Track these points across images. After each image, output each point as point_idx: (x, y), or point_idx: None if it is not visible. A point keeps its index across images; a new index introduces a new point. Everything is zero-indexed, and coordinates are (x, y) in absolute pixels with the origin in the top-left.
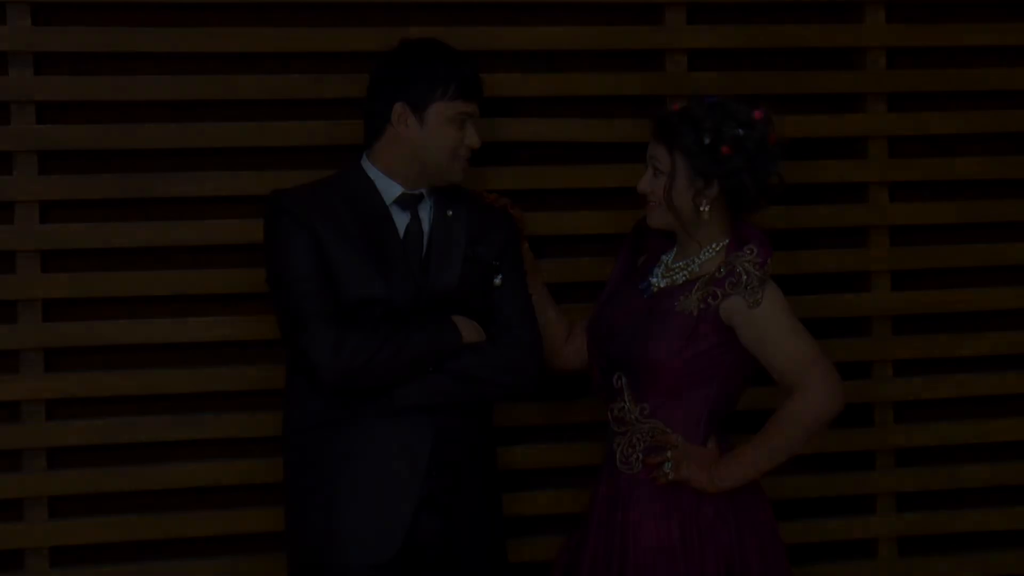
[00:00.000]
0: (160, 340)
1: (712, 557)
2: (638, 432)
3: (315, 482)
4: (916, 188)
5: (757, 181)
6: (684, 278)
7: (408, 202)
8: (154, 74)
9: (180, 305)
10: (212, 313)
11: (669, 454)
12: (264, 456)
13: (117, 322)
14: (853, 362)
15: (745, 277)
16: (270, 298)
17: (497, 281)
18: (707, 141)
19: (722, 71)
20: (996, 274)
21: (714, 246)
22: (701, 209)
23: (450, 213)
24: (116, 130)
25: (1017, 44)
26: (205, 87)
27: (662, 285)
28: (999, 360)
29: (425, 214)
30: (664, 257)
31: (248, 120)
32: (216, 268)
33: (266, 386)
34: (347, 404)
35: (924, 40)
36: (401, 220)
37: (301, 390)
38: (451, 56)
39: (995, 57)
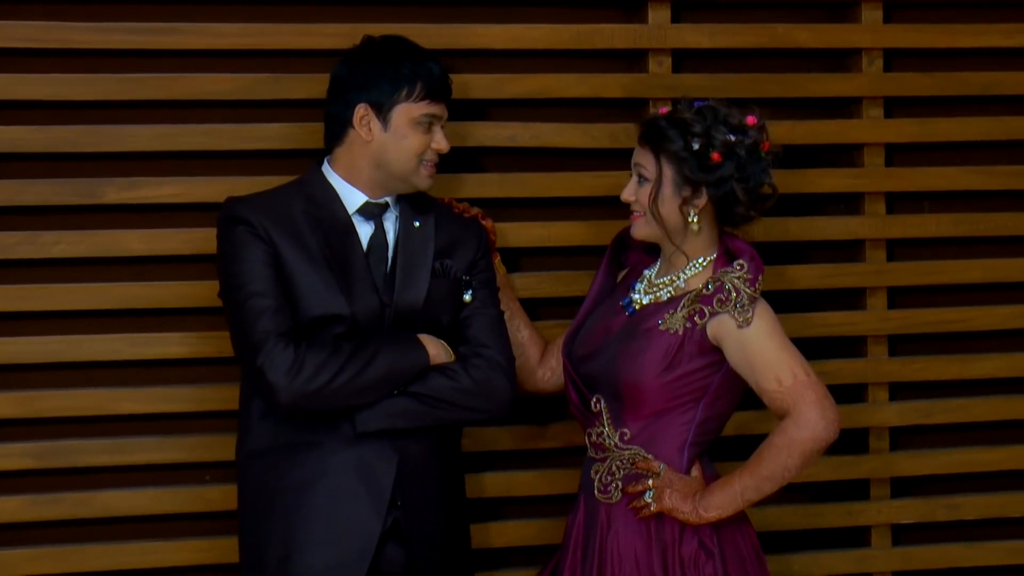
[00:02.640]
0: (105, 358)
1: None
2: (618, 459)
3: (272, 511)
4: (915, 199)
5: (748, 191)
6: (668, 294)
7: (372, 211)
8: (100, 72)
9: (127, 320)
10: (162, 329)
11: (651, 483)
12: (217, 482)
13: (58, 338)
14: (847, 385)
15: (735, 294)
16: (224, 313)
17: (467, 297)
18: (696, 147)
19: (709, 73)
20: (1000, 291)
21: (701, 260)
22: (689, 220)
23: (417, 224)
24: (58, 132)
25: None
26: (155, 87)
27: (645, 302)
28: (1002, 383)
29: (390, 224)
30: (647, 272)
31: (201, 122)
32: (166, 281)
33: (219, 408)
34: (306, 428)
35: (924, 41)
36: (365, 231)
37: (256, 412)
38: (417, 54)
39: (999, 60)
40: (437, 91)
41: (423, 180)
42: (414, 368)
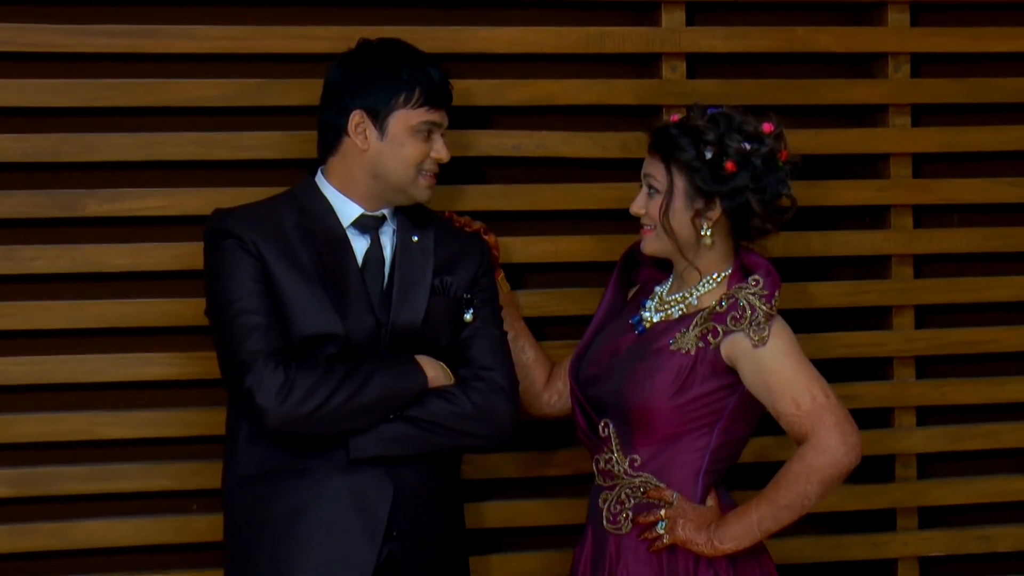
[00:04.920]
0: (86, 379)
1: None
2: (627, 487)
3: (260, 542)
4: (944, 212)
5: (764, 202)
6: (680, 312)
7: (368, 225)
8: (81, 77)
9: (110, 340)
10: (146, 349)
11: (663, 512)
12: (203, 512)
13: (37, 358)
14: (871, 409)
15: (750, 312)
16: (211, 332)
17: (468, 316)
18: (709, 156)
19: (725, 79)
20: None
21: (714, 276)
22: (702, 233)
23: (415, 238)
24: (37, 140)
25: None
26: (139, 93)
27: (655, 320)
28: None
29: (387, 239)
30: (658, 289)
31: (187, 130)
32: (151, 298)
33: (208, 432)
34: (297, 454)
35: (953, 46)
36: (360, 245)
37: (244, 437)
38: (416, 58)
39: None
40: (437, 97)
41: (422, 191)
42: (411, 391)
